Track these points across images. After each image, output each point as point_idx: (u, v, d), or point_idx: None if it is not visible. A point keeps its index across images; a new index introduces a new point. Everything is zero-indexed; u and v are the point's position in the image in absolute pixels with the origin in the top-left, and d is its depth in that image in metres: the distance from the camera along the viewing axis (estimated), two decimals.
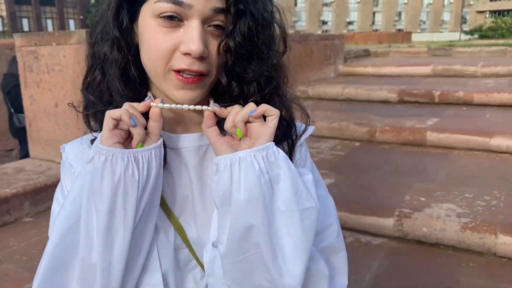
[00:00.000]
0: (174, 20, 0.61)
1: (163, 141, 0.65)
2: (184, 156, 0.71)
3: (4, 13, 41.63)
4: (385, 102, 5.84)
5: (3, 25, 41.90)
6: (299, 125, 0.77)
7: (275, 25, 0.69)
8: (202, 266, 0.70)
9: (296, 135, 0.74)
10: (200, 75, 0.63)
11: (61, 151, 0.74)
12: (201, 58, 0.61)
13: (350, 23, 71.25)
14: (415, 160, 3.79)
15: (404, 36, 20.89)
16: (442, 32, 63.37)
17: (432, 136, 4.09)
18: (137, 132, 0.60)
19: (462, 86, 5.88)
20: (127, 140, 0.62)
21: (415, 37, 25.25)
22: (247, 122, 0.64)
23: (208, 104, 0.67)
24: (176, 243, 0.70)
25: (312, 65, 6.98)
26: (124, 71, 0.65)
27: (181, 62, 0.61)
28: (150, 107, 0.63)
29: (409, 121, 4.53)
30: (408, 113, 5.01)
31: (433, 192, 2.95)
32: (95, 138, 0.68)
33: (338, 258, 0.73)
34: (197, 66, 0.61)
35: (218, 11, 0.61)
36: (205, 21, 0.61)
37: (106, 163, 0.58)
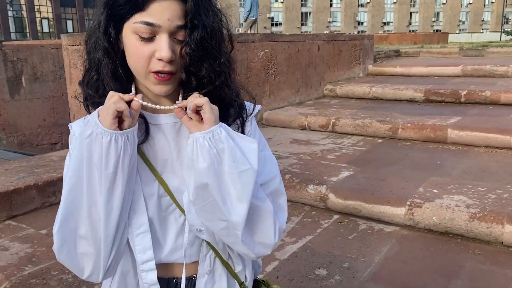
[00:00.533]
0: (148, 36, 0.85)
1: (147, 119, 0.93)
2: (164, 130, 0.96)
3: (50, 15, 43.47)
4: (411, 101, 5.92)
5: (49, 26, 43.83)
6: (249, 104, 1.02)
7: (223, 29, 0.93)
8: (180, 209, 0.96)
9: (246, 114, 0.99)
10: (171, 74, 0.88)
11: (69, 128, 1.00)
12: (171, 61, 0.86)
13: (386, 23, 70.14)
14: (434, 155, 3.91)
15: (440, 36, 20.49)
16: (482, 32, 61.44)
17: (452, 134, 4.18)
18: (128, 120, 0.86)
19: (491, 86, 5.89)
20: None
21: (452, 38, 24.72)
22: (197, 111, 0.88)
23: (177, 95, 0.93)
24: (159, 193, 0.96)
25: (341, 64, 7.11)
26: (114, 71, 0.90)
27: (157, 65, 0.86)
28: (132, 100, 0.88)
29: (432, 119, 4.62)
30: (433, 112, 5.09)
31: (446, 185, 3.08)
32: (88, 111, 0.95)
33: (281, 199, 0.99)
34: (168, 68, 0.86)
35: (179, 27, 0.86)
36: (171, 34, 0.86)
37: (111, 142, 0.84)
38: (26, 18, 42.30)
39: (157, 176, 0.95)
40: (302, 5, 65.93)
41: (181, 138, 0.96)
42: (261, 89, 5.45)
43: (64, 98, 8.29)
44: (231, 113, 0.95)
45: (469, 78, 6.86)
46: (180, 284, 0.99)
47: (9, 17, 39.41)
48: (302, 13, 66.24)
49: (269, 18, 62.98)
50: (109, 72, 0.90)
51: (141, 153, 0.94)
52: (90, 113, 0.95)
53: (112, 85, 0.90)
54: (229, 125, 0.91)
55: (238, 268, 1.03)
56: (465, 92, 5.55)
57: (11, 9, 40.93)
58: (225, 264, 1.01)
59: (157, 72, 0.86)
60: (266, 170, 0.96)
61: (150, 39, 0.85)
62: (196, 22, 0.86)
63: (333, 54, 6.89)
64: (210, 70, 0.90)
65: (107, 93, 0.87)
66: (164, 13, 0.83)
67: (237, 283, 1.04)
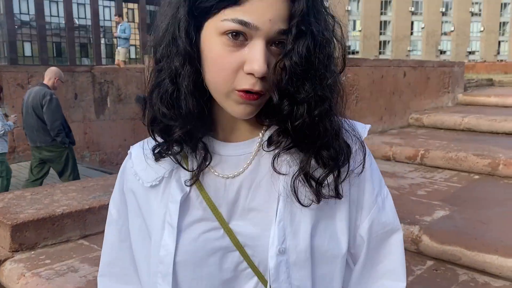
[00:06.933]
0: (239, 38, 0.63)
1: (208, 147, 0.73)
2: (235, 163, 0.74)
3: (137, 43, 46.56)
4: (510, 134, 5.32)
5: (136, 53, 46.85)
6: (360, 127, 0.80)
7: (335, 42, 0.69)
8: (254, 269, 0.72)
9: (364, 151, 0.77)
10: (259, 94, 0.65)
11: (129, 152, 0.83)
12: (262, 77, 0.64)
13: (471, 52, 66.80)
14: None
15: None
16: None
17: None
18: None
19: None
20: None
21: None
22: None
23: (255, 121, 0.73)
24: (225, 245, 0.73)
25: (428, 92, 6.64)
26: (195, 83, 0.67)
27: (244, 83, 0.64)
28: None
29: None
30: None
31: None
32: (159, 144, 0.74)
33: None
34: (258, 87, 0.64)
35: (282, 32, 0.63)
36: (268, 41, 0.64)
37: None
38: (115, 46, 45.67)
39: (223, 223, 0.72)
40: (380, 33, 64.87)
41: (256, 172, 0.73)
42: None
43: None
44: (325, 159, 0.70)
45: None
46: None
47: (101, 44, 42.72)
48: (380, 42, 65.12)
49: (346, 46, 62.54)
50: (190, 84, 0.66)
51: (202, 191, 0.73)
52: (155, 139, 0.74)
53: (191, 102, 0.67)
54: (321, 180, 0.69)
55: None
56: None
57: (104, 37, 44.37)
58: None
59: (244, 91, 0.64)
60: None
61: (239, 44, 0.63)
62: (304, 28, 0.63)
63: (420, 81, 6.45)
64: (312, 93, 0.65)
65: (184, 112, 0.66)
66: (266, 12, 0.61)
67: None
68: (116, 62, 12.36)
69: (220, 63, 0.64)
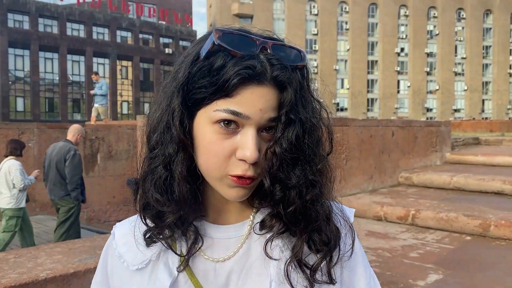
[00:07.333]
0: (231, 126, 0.65)
1: (199, 229, 0.73)
2: (225, 246, 0.73)
3: (130, 99, 47.20)
4: (499, 193, 5.35)
5: (128, 108, 47.35)
6: (348, 211, 0.79)
7: (322, 126, 0.71)
8: None
9: (353, 238, 0.76)
10: (252, 179, 0.67)
11: (112, 232, 0.80)
12: (254, 162, 0.65)
13: (457, 110, 68.56)
14: None
15: None
16: None
17: None
18: None
19: None
20: None
21: None
22: None
23: (246, 203, 0.73)
24: None
25: (416, 151, 6.73)
26: (189, 170, 0.68)
27: (237, 168, 0.65)
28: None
29: None
30: None
31: None
32: (149, 229, 0.73)
33: None
34: (251, 172, 0.65)
35: (271, 120, 0.65)
36: (259, 128, 0.66)
37: None
38: (108, 101, 46.21)
39: None
40: (368, 91, 66.64)
41: (247, 255, 0.72)
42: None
43: (134, 176, 8.51)
44: (317, 244, 0.70)
45: None
46: None
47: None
48: (368, 99, 66.76)
49: (334, 103, 64.10)
50: (184, 169, 0.67)
51: (191, 276, 0.71)
52: (147, 224, 0.73)
53: (185, 188, 0.68)
54: (316, 267, 0.69)
55: None
56: None
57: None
58: None
59: (237, 176, 0.66)
60: None
61: (232, 132, 0.65)
62: (293, 116, 0.65)
63: (408, 140, 6.56)
64: (303, 178, 0.67)
65: (177, 198, 0.67)
66: (256, 102, 0.64)
67: None
68: (92, 118, 12.13)
69: (212, 149, 0.66)
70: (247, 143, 0.64)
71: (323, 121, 0.72)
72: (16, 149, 5.91)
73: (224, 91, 0.63)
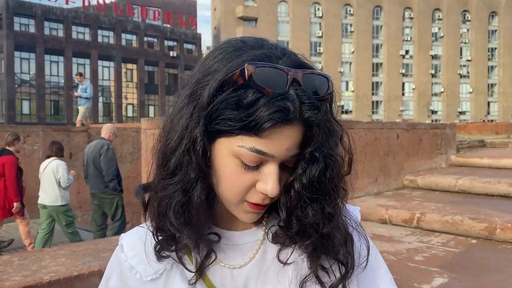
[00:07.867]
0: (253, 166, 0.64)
1: (220, 238, 0.72)
2: (241, 251, 0.73)
3: (135, 102, 47.38)
4: (505, 196, 5.31)
5: (133, 111, 47.53)
6: (353, 209, 0.79)
7: (342, 152, 0.70)
8: None
9: (368, 249, 0.75)
10: (268, 204, 0.68)
11: (119, 243, 0.78)
12: None
13: (462, 113, 68.29)
14: None
15: None
16: None
17: None
18: None
19: None
20: None
21: None
22: None
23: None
24: None
25: (421, 154, 6.70)
26: (208, 197, 0.68)
27: (256, 197, 0.65)
28: None
29: None
30: None
31: None
32: (160, 241, 0.71)
33: None
34: (268, 201, 0.66)
35: (295, 155, 0.64)
36: (281, 163, 0.65)
37: None
38: (113, 104, 46.36)
39: None
40: (373, 94, 66.52)
41: (266, 262, 0.72)
42: None
43: (139, 179, 8.52)
44: (332, 270, 0.70)
45: None
46: None
47: (98, 103, 43.41)
48: (373, 101, 66.63)
49: (339, 106, 63.75)
50: (202, 197, 0.66)
51: (208, 283, 0.71)
52: (159, 242, 0.71)
53: (203, 214, 0.67)
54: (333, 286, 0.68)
55: None
56: None
57: (101, 96, 45.19)
58: None
59: (254, 204, 0.66)
60: None
61: (254, 166, 0.64)
62: (317, 154, 0.64)
63: (413, 143, 6.53)
64: (320, 213, 0.66)
65: (193, 223, 0.66)
66: (284, 143, 0.62)
67: None
68: (77, 121, 12.09)
69: (233, 181, 0.65)
70: (270, 179, 0.63)
71: (344, 145, 0.70)
72: (60, 150, 6.33)
73: (253, 131, 0.61)
